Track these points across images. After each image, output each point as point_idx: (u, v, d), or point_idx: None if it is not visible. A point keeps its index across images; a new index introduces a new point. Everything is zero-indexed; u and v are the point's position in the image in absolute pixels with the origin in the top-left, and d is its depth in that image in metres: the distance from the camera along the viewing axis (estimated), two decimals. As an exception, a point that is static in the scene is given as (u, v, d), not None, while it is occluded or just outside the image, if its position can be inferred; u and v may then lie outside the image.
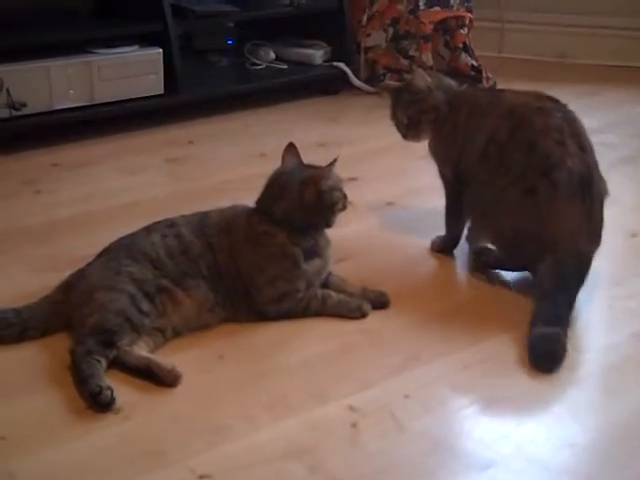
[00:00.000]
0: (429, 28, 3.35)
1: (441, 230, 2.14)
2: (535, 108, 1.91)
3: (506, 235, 1.92)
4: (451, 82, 2.11)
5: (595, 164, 1.89)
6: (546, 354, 1.70)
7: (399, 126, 2.10)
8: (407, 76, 2.34)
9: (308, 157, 1.90)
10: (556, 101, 1.95)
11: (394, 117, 2.11)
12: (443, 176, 2.10)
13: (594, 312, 1.89)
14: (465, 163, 2.00)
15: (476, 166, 1.96)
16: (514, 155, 1.88)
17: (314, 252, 1.84)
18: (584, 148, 1.87)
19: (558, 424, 1.56)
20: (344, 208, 1.86)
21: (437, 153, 2.10)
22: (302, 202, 1.81)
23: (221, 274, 1.80)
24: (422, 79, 2.05)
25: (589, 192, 1.84)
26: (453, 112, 2.04)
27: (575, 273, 1.82)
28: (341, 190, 1.85)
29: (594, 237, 1.87)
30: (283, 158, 1.90)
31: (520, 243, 1.89)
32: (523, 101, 1.94)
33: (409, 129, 2.08)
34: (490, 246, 2.02)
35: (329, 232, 1.89)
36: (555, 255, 1.82)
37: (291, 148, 1.90)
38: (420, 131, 2.08)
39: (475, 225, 2.04)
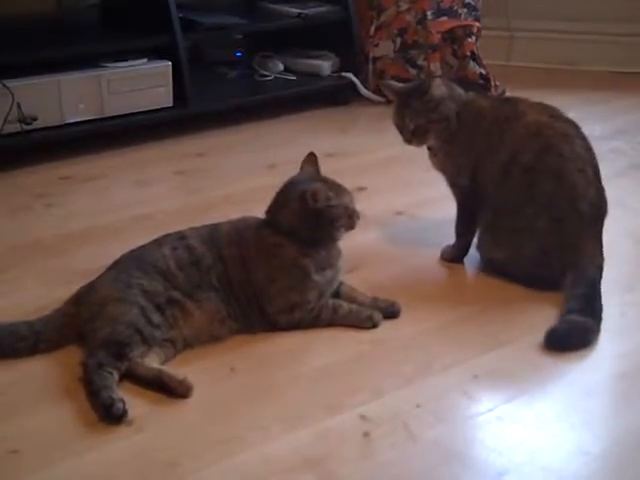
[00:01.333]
0: (437, 38, 3.36)
1: (451, 239, 2.14)
2: (561, 134, 1.94)
3: (527, 254, 1.96)
4: (460, 91, 2.10)
5: (604, 190, 1.97)
6: (571, 336, 1.77)
7: (403, 131, 2.07)
8: (416, 80, 2.25)
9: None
10: (575, 125, 1.99)
11: (400, 120, 2.07)
12: (455, 186, 2.09)
13: (606, 319, 1.87)
14: (482, 174, 2.00)
15: (495, 180, 1.97)
16: (542, 182, 1.92)
17: (326, 263, 1.84)
18: (598, 176, 1.96)
19: (571, 432, 1.55)
20: (350, 227, 1.84)
21: (450, 163, 2.08)
22: (300, 215, 1.80)
23: (232, 285, 1.80)
24: (438, 89, 2.03)
25: (601, 218, 1.96)
26: (467, 122, 2.03)
27: (598, 282, 1.91)
28: (346, 207, 1.82)
29: (602, 254, 1.97)
30: (301, 167, 1.90)
31: (541, 262, 1.95)
32: (547, 122, 1.95)
33: (414, 136, 2.05)
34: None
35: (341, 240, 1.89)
36: (577, 271, 1.91)
37: (310, 157, 1.89)
38: (426, 139, 2.06)
39: (488, 237, 2.04)
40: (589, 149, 1.97)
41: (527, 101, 2.04)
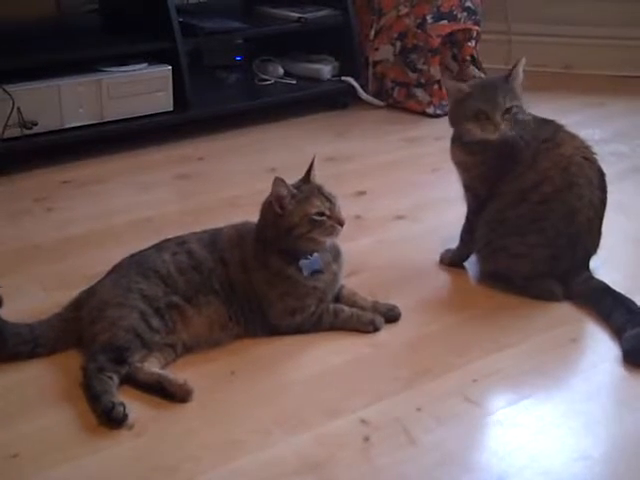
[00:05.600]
0: (437, 41, 3.36)
1: (451, 243, 2.14)
2: (586, 179, 1.95)
3: (521, 275, 1.99)
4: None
5: (599, 241, 2.02)
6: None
7: (494, 112, 1.92)
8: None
9: (317, 172, 1.90)
10: (602, 175, 1.99)
11: (489, 102, 1.93)
12: (471, 191, 2.06)
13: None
14: (500, 187, 1.98)
15: (510, 197, 1.96)
16: (553, 217, 1.94)
17: (319, 267, 1.82)
18: (600, 228, 2.00)
19: (571, 436, 1.55)
20: (325, 233, 1.78)
21: (478, 169, 2.01)
22: (268, 223, 1.80)
23: (234, 288, 1.80)
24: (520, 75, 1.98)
25: (590, 258, 2.02)
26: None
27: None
28: (305, 214, 1.76)
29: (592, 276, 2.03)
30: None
31: (534, 282, 1.99)
32: (578, 162, 1.95)
33: (505, 118, 1.93)
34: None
35: (341, 244, 1.88)
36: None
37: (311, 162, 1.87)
38: (512, 123, 1.93)
39: (486, 253, 2.04)
40: (603, 202, 1.99)
41: (564, 129, 2.01)
